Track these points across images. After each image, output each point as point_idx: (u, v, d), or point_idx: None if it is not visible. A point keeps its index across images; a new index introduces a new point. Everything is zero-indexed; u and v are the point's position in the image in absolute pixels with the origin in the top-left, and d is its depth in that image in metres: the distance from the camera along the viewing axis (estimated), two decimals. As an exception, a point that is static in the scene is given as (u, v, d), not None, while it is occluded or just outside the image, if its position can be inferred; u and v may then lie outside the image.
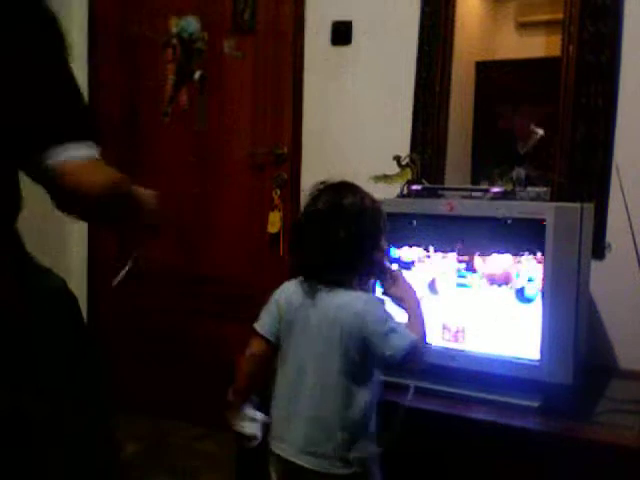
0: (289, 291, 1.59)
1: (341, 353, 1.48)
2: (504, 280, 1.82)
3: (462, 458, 1.72)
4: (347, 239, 1.47)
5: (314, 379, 1.50)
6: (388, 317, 1.49)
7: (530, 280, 1.80)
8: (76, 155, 1.07)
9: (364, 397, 1.50)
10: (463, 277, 1.89)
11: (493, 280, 1.84)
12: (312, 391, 1.50)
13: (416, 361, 1.49)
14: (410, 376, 1.62)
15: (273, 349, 1.59)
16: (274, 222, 2.82)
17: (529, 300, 1.80)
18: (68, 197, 1.10)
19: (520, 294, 1.81)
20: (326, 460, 1.49)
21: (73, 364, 1.19)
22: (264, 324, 1.61)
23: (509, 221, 1.82)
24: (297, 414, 1.52)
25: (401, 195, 2.11)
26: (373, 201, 1.56)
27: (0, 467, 1.09)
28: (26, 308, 1.10)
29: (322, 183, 1.58)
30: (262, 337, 1.60)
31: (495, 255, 1.83)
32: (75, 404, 1.17)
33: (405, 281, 1.61)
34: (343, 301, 1.50)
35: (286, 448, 1.53)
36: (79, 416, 1.17)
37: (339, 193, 1.53)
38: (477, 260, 1.86)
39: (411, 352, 1.46)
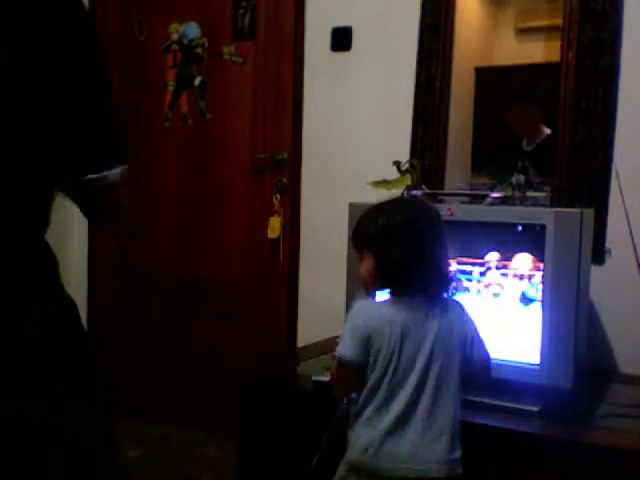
0: (379, 312, 1.51)
1: (457, 358, 1.51)
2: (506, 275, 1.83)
3: (462, 463, 1.72)
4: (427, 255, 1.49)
5: (434, 391, 1.48)
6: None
7: (531, 285, 1.80)
8: (115, 177, 1.19)
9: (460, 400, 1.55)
10: (463, 282, 1.89)
11: (491, 283, 1.85)
12: (429, 405, 1.48)
13: (488, 374, 1.57)
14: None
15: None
16: (274, 227, 2.83)
17: (530, 301, 1.80)
18: (104, 213, 1.28)
19: (521, 297, 1.81)
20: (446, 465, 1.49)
21: (72, 364, 1.20)
22: (357, 353, 1.50)
23: (509, 226, 1.82)
24: (412, 429, 1.47)
25: (401, 200, 2.12)
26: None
27: (0, 468, 1.09)
28: (26, 308, 1.11)
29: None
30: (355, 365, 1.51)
31: (495, 256, 1.84)
32: (75, 404, 1.17)
33: None
34: (447, 310, 1.52)
35: (396, 465, 1.47)
36: (79, 416, 1.17)
37: (410, 210, 1.57)
38: (477, 265, 1.87)
39: (490, 364, 1.55)
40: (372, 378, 1.49)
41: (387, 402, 1.48)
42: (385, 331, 1.47)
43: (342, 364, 1.52)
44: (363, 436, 1.50)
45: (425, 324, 1.49)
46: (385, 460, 1.47)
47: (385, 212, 1.54)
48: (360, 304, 1.54)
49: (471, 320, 1.56)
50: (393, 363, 1.47)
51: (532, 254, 1.80)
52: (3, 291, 1.10)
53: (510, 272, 1.82)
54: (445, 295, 1.56)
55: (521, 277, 1.81)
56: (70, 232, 3.24)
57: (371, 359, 1.48)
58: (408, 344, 1.47)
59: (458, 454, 1.52)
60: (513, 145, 2.59)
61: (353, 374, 1.51)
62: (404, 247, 1.48)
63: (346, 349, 1.50)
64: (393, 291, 1.53)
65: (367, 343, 1.48)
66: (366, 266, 1.52)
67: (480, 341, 1.54)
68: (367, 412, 1.50)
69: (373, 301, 1.55)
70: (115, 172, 1.18)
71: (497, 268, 1.84)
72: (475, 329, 1.55)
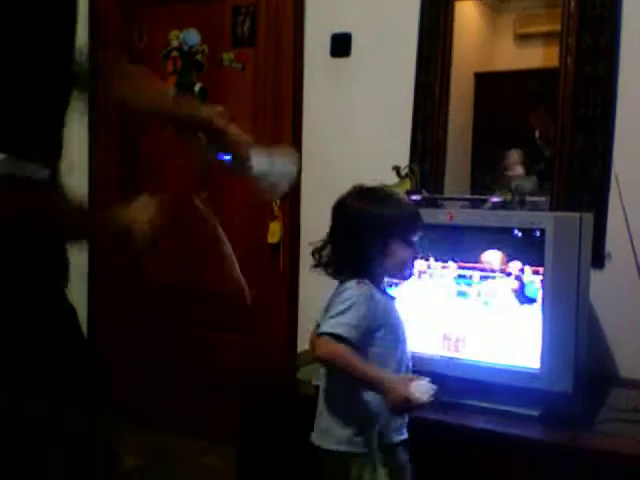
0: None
1: None
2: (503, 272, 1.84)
3: (462, 467, 1.72)
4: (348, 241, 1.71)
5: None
6: (347, 306, 1.63)
7: (529, 286, 1.81)
8: None
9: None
10: (462, 286, 1.90)
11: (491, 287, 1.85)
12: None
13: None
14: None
15: None
16: (274, 232, 2.83)
17: (530, 300, 1.80)
18: None
19: (521, 295, 1.82)
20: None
21: (72, 366, 1.20)
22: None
23: (508, 231, 1.83)
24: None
25: (401, 205, 2.11)
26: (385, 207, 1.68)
27: (0, 467, 1.09)
28: (27, 309, 1.12)
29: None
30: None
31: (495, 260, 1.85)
32: (75, 405, 1.17)
33: None
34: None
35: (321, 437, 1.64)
36: (79, 416, 1.18)
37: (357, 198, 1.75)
38: (476, 270, 1.87)
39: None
40: None
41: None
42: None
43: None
44: None
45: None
46: None
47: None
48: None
49: (346, 299, 1.66)
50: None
51: (531, 258, 1.80)
52: (4, 292, 1.10)
53: (511, 275, 1.83)
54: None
55: (519, 278, 1.82)
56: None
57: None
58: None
59: (326, 427, 1.61)
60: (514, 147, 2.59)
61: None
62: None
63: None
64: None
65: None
66: None
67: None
68: None
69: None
70: None
71: (496, 272, 1.85)
72: (336, 307, 1.67)
